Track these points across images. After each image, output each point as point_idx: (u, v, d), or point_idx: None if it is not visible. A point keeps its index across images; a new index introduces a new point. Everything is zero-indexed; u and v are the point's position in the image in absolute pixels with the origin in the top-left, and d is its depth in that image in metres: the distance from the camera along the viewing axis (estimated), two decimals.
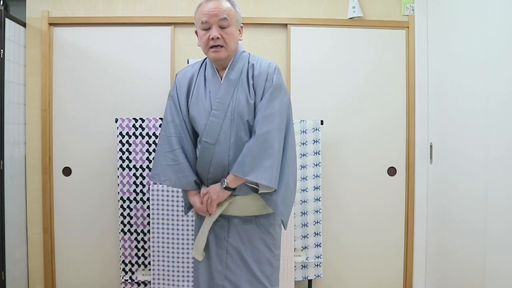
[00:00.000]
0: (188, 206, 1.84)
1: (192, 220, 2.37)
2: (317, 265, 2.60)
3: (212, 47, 1.68)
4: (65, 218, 2.64)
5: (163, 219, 2.44)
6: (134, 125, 2.53)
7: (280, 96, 1.69)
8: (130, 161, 2.53)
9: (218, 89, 1.71)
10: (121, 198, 2.53)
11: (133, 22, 2.63)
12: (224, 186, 1.66)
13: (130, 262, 2.54)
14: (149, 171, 2.53)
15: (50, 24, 2.60)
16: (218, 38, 1.65)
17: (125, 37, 2.64)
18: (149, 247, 2.53)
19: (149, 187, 2.50)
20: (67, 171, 2.64)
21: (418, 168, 2.68)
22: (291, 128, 1.74)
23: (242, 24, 1.78)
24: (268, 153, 1.62)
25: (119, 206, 2.53)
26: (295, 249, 2.56)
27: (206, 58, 1.81)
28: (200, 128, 1.71)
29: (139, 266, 2.55)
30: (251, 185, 1.70)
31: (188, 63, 2.61)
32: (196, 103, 1.74)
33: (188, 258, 2.43)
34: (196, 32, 1.77)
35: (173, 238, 2.44)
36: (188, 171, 1.73)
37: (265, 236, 1.74)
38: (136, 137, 2.53)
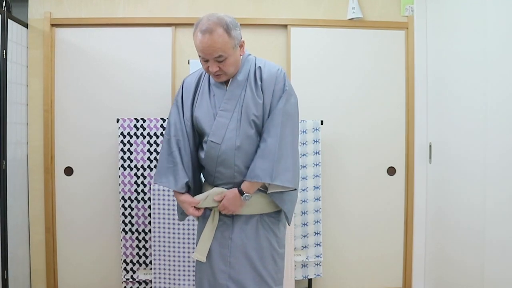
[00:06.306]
0: (182, 212, 1.83)
1: (193, 220, 2.39)
2: (317, 264, 2.62)
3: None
4: (67, 217, 2.66)
5: (164, 218, 2.45)
6: (135, 125, 2.55)
7: (291, 100, 1.75)
8: (131, 161, 2.55)
9: (223, 91, 1.74)
10: (123, 197, 2.55)
11: (134, 23, 2.65)
12: (247, 198, 1.68)
13: (131, 261, 2.56)
14: (150, 171, 2.55)
15: (52, 25, 2.62)
16: (216, 71, 1.67)
17: (126, 37, 2.66)
18: (150, 246, 2.55)
19: (150, 187, 2.52)
20: (69, 171, 2.65)
21: (417, 168, 2.69)
22: (298, 128, 1.80)
23: (243, 40, 1.73)
24: (288, 155, 1.68)
25: (120, 206, 2.55)
26: (295, 248, 2.57)
27: None
28: (206, 129, 1.74)
29: (140, 265, 2.57)
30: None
31: (189, 63, 2.63)
32: (200, 105, 1.77)
33: (189, 257, 2.44)
34: None
35: (174, 238, 2.45)
36: (181, 172, 1.72)
37: (269, 234, 1.75)
38: (137, 137, 2.55)
